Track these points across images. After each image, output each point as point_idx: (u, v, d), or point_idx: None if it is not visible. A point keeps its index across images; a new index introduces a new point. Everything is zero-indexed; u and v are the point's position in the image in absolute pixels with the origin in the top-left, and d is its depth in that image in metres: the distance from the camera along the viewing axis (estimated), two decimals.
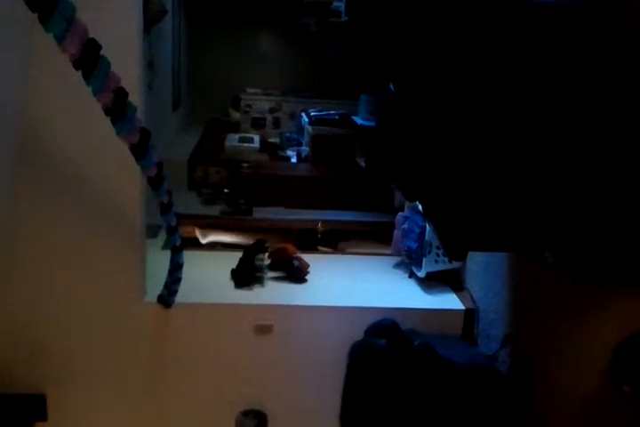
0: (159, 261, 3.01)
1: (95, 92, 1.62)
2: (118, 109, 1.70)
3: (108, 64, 1.61)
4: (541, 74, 1.77)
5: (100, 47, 1.56)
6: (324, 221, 4.27)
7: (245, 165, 4.87)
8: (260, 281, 3.39)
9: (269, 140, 6.43)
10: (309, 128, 5.57)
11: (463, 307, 3.28)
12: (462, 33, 1.79)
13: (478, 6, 1.77)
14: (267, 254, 3.56)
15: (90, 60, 1.53)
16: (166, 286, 2.93)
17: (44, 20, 1.37)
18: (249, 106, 7.04)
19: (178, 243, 2.72)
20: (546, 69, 1.78)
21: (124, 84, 1.74)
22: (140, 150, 1.94)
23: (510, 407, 2.64)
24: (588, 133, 1.79)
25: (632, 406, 1.94)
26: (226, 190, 4.66)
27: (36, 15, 1.37)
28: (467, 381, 2.63)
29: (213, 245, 4.03)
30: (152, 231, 3.49)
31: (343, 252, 4.14)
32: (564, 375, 2.40)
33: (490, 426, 2.59)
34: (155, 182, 2.20)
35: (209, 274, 3.42)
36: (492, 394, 2.64)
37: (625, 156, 1.79)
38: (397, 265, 3.75)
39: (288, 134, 6.41)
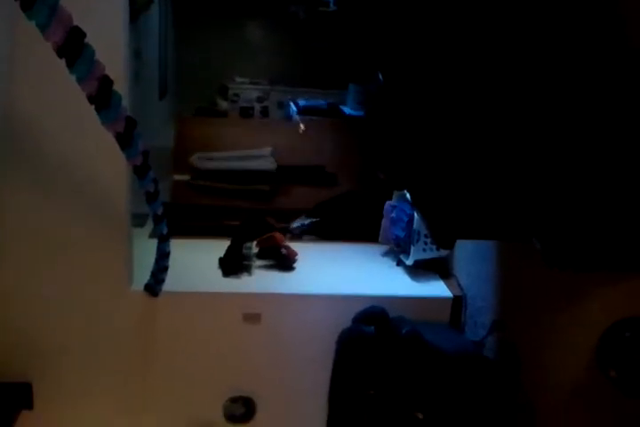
0: (146, 250, 3.01)
1: (79, 81, 1.61)
2: (103, 98, 1.69)
3: (93, 52, 1.60)
4: (529, 62, 1.77)
5: (84, 35, 1.55)
6: None
7: None
8: (247, 269, 3.39)
9: None
10: (298, 117, 5.56)
11: (451, 294, 3.30)
12: (451, 21, 1.78)
13: None
14: (255, 243, 3.56)
15: (74, 48, 1.51)
16: (153, 274, 2.92)
17: (27, 8, 1.35)
18: (237, 95, 7.02)
19: (164, 231, 2.72)
20: (534, 57, 1.78)
21: (109, 72, 1.73)
22: (126, 139, 1.93)
23: (497, 394, 2.66)
24: (574, 122, 1.79)
25: (618, 390, 1.97)
26: None
27: (17, 3, 1.35)
28: (454, 367, 2.65)
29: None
30: (139, 220, 3.48)
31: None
32: (551, 361, 2.42)
33: (477, 412, 2.61)
34: (140, 171, 2.19)
35: (196, 262, 3.41)
36: (479, 381, 2.66)
37: (610, 145, 1.80)
38: (385, 253, 3.77)
39: None
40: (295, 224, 4.09)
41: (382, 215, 3.65)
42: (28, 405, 3.08)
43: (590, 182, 1.82)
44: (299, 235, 4.05)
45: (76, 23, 1.52)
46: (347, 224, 4.17)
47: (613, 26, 1.87)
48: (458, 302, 3.27)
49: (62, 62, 1.57)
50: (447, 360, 2.66)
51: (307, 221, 4.11)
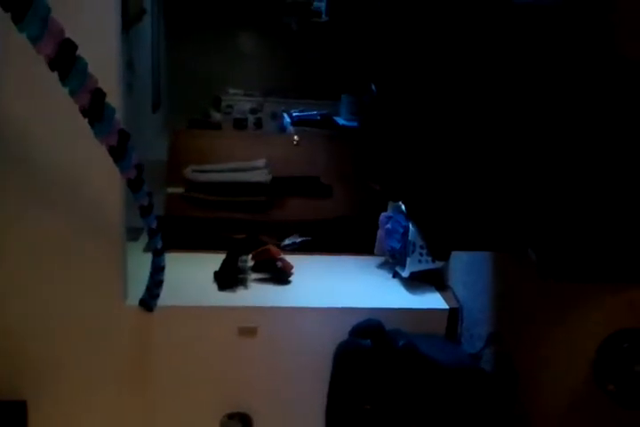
0: (141, 264, 2.98)
1: (72, 94, 1.59)
2: (96, 111, 1.67)
3: (85, 65, 1.59)
4: (522, 72, 1.77)
5: (76, 47, 1.54)
6: None
7: None
8: (243, 283, 3.37)
9: None
10: (291, 128, 5.56)
11: (447, 306, 3.28)
12: (444, 32, 1.78)
13: (460, 5, 1.77)
14: (250, 256, 3.54)
15: (66, 61, 1.50)
16: (148, 289, 2.90)
17: (18, 20, 1.34)
18: (230, 106, 7.02)
19: (159, 245, 2.69)
20: (527, 68, 1.78)
21: (102, 85, 1.72)
22: (119, 152, 1.91)
23: (494, 406, 2.64)
24: (569, 132, 1.79)
25: (616, 404, 1.95)
26: None
27: (9, 15, 1.34)
28: (451, 380, 2.63)
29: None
30: (133, 234, 3.45)
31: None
32: (548, 374, 2.41)
33: (474, 425, 2.59)
34: (134, 185, 2.18)
35: (191, 276, 3.39)
36: (475, 393, 2.64)
37: (607, 155, 1.80)
38: (381, 265, 3.75)
39: None
40: (287, 242, 4.09)
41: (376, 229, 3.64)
42: (23, 424, 3.04)
43: (586, 192, 1.82)
44: (290, 251, 4.05)
45: (67, 35, 1.51)
46: (338, 243, 4.17)
47: (604, 33, 1.87)
48: (454, 314, 3.26)
49: (55, 75, 1.56)
50: (444, 373, 2.65)
51: (298, 240, 4.11)
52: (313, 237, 4.18)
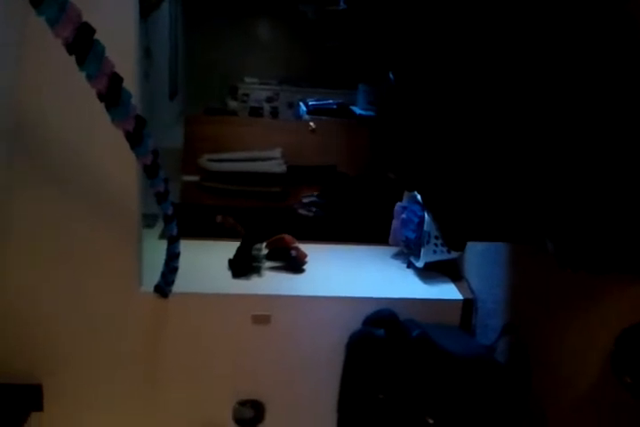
0: (156, 251, 2.99)
1: (89, 78, 1.59)
2: (113, 95, 1.67)
3: (103, 49, 1.59)
4: (541, 63, 1.75)
5: (93, 31, 1.54)
6: None
7: None
8: (257, 271, 3.37)
9: None
10: (307, 117, 5.54)
11: (461, 297, 3.27)
12: (462, 21, 1.76)
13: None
14: (264, 244, 3.54)
15: (83, 45, 1.50)
16: (163, 275, 2.91)
17: (37, 4, 1.34)
18: (246, 95, 7.01)
19: (174, 232, 2.70)
20: (545, 58, 1.76)
21: (119, 70, 1.71)
22: (136, 138, 1.91)
23: (508, 398, 2.63)
24: (587, 123, 1.76)
25: (632, 396, 1.93)
26: None
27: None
28: (465, 371, 2.62)
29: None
30: (148, 221, 3.47)
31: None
32: (563, 366, 2.39)
33: (488, 416, 2.59)
34: (150, 171, 2.18)
35: (206, 263, 3.40)
36: (489, 385, 2.63)
37: (623, 146, 1.77)
38: (396, 255, 3.74)
39: None
40: (304, 200, 4.12)
41: (391, 213, 3.63)
42: (39, 406, 3.07)
43: (604, 182, 1.80)
44: (307, 204, 4.07)
45: (85, 20, 1.51)
46: (355, 206, 4.17)
47: (622, 23, 1.84)
48: (468, 305, 3.24)
49: (72, 61, 1.55)
50: (457, 364, 2.64)
51: (315, 198, 4.15)
52: (329, 200, 4.18)
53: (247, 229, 3.60)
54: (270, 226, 3.81)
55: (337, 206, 4.23)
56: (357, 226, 4.14)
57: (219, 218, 3.53)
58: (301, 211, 4.04)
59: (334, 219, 4.17)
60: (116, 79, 1.66)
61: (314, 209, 4.17)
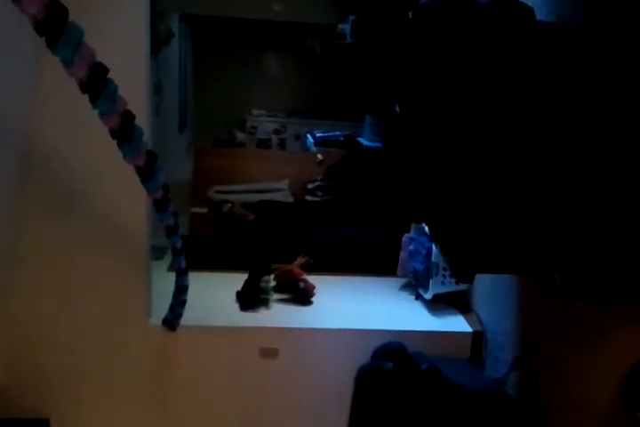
0: (165, 283, 3.00)
1: (102, 116, 1.62)
2: (125, 132, 1.70)
3: (116, 88, 1.62)
4: (550, 96, 1.77)
5: (107, 71, 1.57)
6: None
7: None
8: (265, 303, 3.37)
9: None
10: (314, 149, 5.59)
11: (471, 329, 3.25)
12: (468, 54, 1.79)
13: (485, 28, 1.77)
14: (272, 276, 3.55)
15: (97, 84, 1.53)
16: (171, 308, 2.91)
17: (52, 45, 1.37)
18: (254, 127, 7.09)
19: (183, 265, 2.71)
20: (554, 90, 1.78)
21: (131, 106, 1.74)
22: (147, 173, 1.93)
23: None
24: (596, 156, 1.77)
25: None
26: None
27: (43, 39, 1.37)
28: (475, 405, 2.59)
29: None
30: (157, 253, 3.48)
31: None
32: (574, 400, 2.36)
33: None
34: (161, 205, 2.20)
35: (214, 296, 3.40)
36: (500, 419, 2.60)
37: (631, 180, 1.78)
38: (404, 287, 3.73)
39: None
40: (310, 186, 4.10)
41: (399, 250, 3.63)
42: None
43: (612, 215, 1.80)
44: (313, 190, 4.05)
45: (98, 59, 1.54)
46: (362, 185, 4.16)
47: (630, 55, 1.87)
48: (478, 338, 3.22)
49: (85, 96, 1.59)
50: (468, 397, 2.61)
51: (320, 183, 4.14)
52: (336, 183, 4.16)
53: (257, 218, 3.54)
54: (280, 217, 3.78)
55: (343, 187, 4.20)
56: (367, 208, 4.11)
57: (225, 207, 3.47)
58: (308, 197, 4.01)
59: (343, 201, 4.13)
60: (128, 117, 1.69)
61: (320, 193, 4.15)
